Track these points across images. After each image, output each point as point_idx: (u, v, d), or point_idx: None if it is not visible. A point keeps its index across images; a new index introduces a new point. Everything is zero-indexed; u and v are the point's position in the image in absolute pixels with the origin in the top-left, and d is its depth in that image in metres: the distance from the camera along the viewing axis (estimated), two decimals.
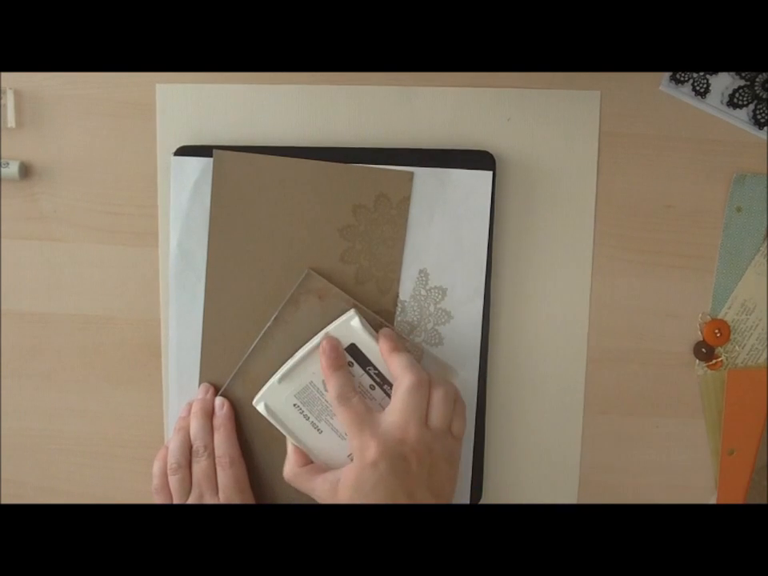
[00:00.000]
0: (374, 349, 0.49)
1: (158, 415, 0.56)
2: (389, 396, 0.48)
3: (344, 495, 0.45)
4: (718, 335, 0.53)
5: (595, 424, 0.54)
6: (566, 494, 0.55)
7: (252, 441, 0.53)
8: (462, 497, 0.54)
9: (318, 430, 0.49)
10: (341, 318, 0.50)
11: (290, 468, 0.49)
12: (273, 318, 0.52)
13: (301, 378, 0.49)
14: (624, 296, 0.54)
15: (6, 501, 0.58)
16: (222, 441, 0.51)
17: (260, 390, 0.50)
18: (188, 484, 0.51)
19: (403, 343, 0.50)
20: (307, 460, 0.49)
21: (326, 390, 0.48)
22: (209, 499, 0.51)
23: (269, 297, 0.52)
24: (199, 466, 0.51)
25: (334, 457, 0.48)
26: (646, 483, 0.55)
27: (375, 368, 0.49)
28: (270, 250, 0.52)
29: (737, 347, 0.54)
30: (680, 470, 0.55)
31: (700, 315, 0.54)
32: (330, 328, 0.49)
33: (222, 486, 0.51)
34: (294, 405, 0.49)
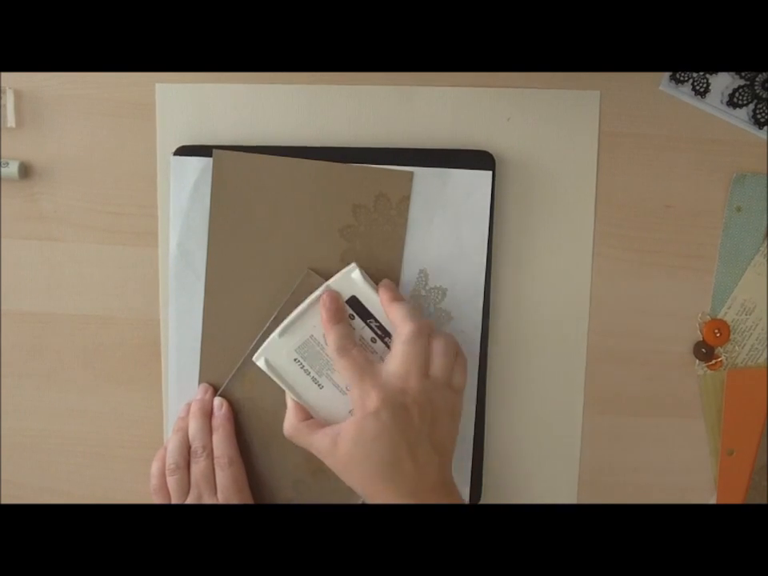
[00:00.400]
0: (375, 301, 0.48)
1: (158, 415, 0.56)
2: (390, 349, 0.47)
3: (344, 448, 0.44)
4: (718, 335, 0.53)
5: (595, 424, 0.54)
6: (565, 494, 0.55)
7: (251, 441, 0.53)
8: (462, 497, 0.54)
9: (319, 385, 0.48)
10: (341, 271, 0.50)
11: (290, 423, 0.48)
12: (272, 318, 0.52)
13: (301, 332, 0.48)
14: (624, 296, 0.54)
15: (6, 501, 0.58)
16: (221, 441, 0.51)
17: (258, 389, 0.49)
18: (186, 484, 0.51)
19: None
20: (307, 415, 0.48)
21: (327, 344, 0.48)
22: (207, 499, 0.51)
23: (269, 297, 0.52)
24: (198, 467, 0.51)
25: (334, 412, 0.48)
26: (646, 483, 0.55)
27: (376, 320, 0.48)
28: (269, 250, 0.52)
29: (736, 347, 0.54)
30: (680, 470, 0.55)
31: (699, 315, 0.54)
32: (330, 281, 0.49)
33: (221, 487, 0.51)
34: (295, 359, 0.48)
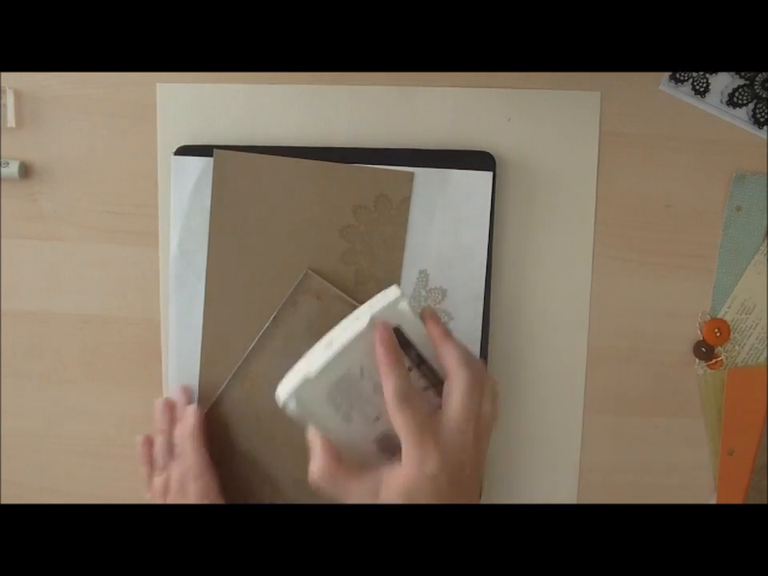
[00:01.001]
0: (421, 333, 0.43)
1: None
2: (428, 381, 0.44)
3: (389, 500, 0.41)
4: (718, 335, 0.53)
5: (595, 424, 0.54)
6: (565, 494, 0.55)
7: (251, 441, 0.53)
8: None
9: (349, 419, 0.43)
10: (382, 297, 0.43)
11: (324, 470, 0.42)
12: (271, 318, 0.52)
13: (339, 369, 0.41)
14: (624, 296, 0.54)
15: (6, 501, 0.58)
16: (189, 453, 0.51)
17: (258, 389, 0.49)
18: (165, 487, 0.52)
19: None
20: (339, 457, 0.42)
21: (368, 377, 0.42)
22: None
23: (268, 297, 0.52)
24: (163, 478, 0.52)
25: (359, 442, 0.43)
26: (646, 483, 0.55)
27: (416, 350, 0.43)
28: (269, 250, 0.52)
29: (736, 346, 0.54)
30: (680, 469, 0.55)
31: (700, 315, 0.54)
32: (374, 311, 0.42)
33: (192, 498, 0.50)
34: (328, 397, 0.42)
